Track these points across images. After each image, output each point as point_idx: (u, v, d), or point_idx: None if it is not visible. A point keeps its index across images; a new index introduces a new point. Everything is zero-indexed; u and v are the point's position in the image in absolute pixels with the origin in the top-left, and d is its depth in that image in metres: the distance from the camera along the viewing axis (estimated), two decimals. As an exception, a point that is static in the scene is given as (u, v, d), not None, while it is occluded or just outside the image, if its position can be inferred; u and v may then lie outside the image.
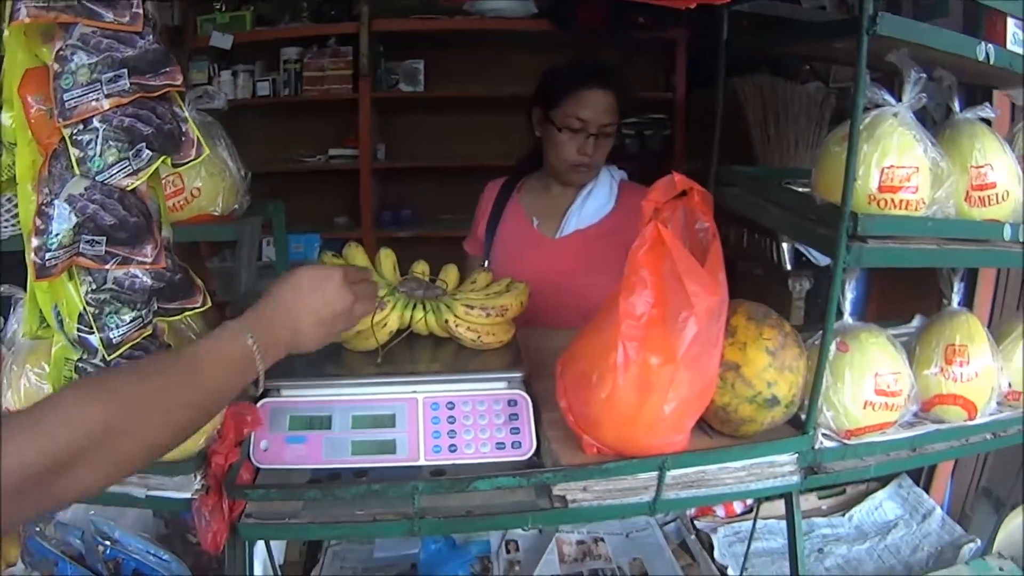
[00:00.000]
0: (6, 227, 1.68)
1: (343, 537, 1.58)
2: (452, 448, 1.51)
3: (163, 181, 1.58)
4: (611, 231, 2.45)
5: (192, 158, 1.39)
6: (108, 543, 1.84)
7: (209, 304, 1.49)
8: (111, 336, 1.36)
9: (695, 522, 2.16)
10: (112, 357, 1.37)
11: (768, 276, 2.56)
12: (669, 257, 1.33)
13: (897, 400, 1.56)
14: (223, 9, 4.79)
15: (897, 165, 1.43)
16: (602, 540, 2.07)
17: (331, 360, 1.70)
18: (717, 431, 1.53)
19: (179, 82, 1.34)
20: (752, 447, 1.50)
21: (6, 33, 1.35)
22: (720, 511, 2.18)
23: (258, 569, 1.71)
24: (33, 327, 1.52)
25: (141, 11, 1.29)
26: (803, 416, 1.53)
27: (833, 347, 1.53)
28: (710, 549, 2.04)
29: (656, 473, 1.44)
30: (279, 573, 1.91)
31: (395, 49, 4.96)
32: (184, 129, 1.38)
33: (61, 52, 1.27)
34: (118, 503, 1.58)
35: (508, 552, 2.05)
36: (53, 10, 1.25)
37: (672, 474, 1.45)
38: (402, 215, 5.04)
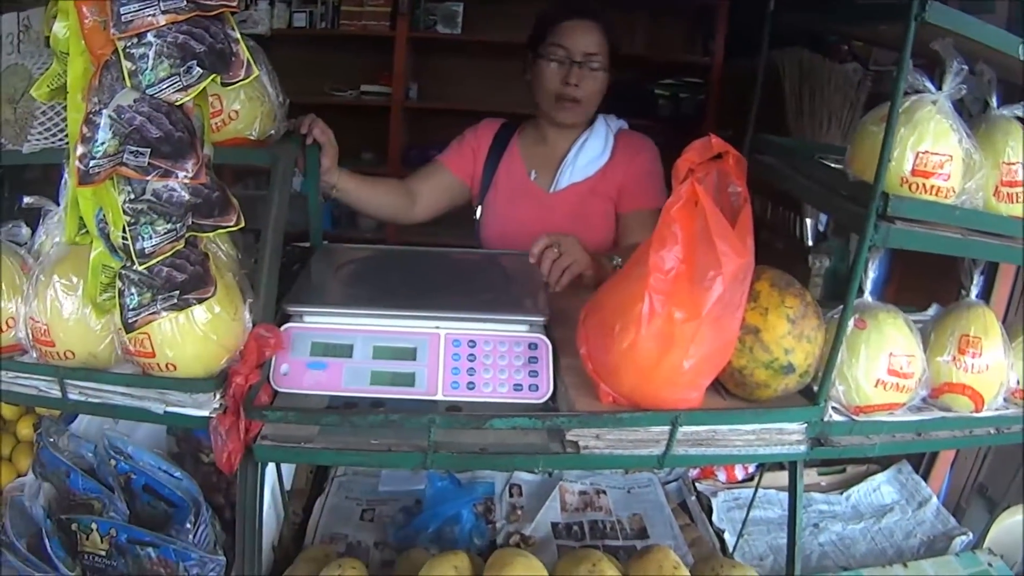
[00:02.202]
0: (39, 139, 1.74)
1: (357, 465, 1.65)
2: (470, 386, 1.59)
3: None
4: (609, 181, 2.53)
5: (241, 78, 1.42)
6: (120, 457, 1.89)
7: (243, 224, 1.53)
8: (144, 246, 1.41)
9: (696, 484, 2.23)
10: (143, 267, 1.42)
11: (789, 250, 2.61)
12: (702, 216, 1.39)
13: (909, 382, 1.61)
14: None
15: (932, 151, 1.48)
16: (604, 492, 2.15)
17: (356, 290, 1.77)
18: (731, 393, 1.60)
19: (234, 3, 1.38)
20: (764, 412, 1.56)
21: None
22: (721, 476, 2.25)
23: (267, 493, 1.77)
24: (72, 233, 1.58)
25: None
26: (815, 387, 1.58)
27: (851, 323, 1.59)
28: (709, 512, 2.11)
29: (668, 428, 1.50)
30: (287, 499, 1.98)
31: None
32: (235, 50, 1.41)
33: (119, -33, 1.30)
34: (136, 418, 1.63)
35: (512, 496, 2.13)
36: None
37: (684, 430, 1.51)
38: (429, 154, 5.07)
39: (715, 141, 1.48)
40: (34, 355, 1.66)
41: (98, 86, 1.38)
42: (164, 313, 1.47)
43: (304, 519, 2.05)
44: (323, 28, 5.13)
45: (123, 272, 1.46)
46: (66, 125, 1.74)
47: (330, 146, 2.09)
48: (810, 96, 2.65)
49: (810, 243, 2.51)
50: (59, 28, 1.47)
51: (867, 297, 1.67)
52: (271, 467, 1.82)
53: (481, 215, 2.64)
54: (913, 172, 1.49)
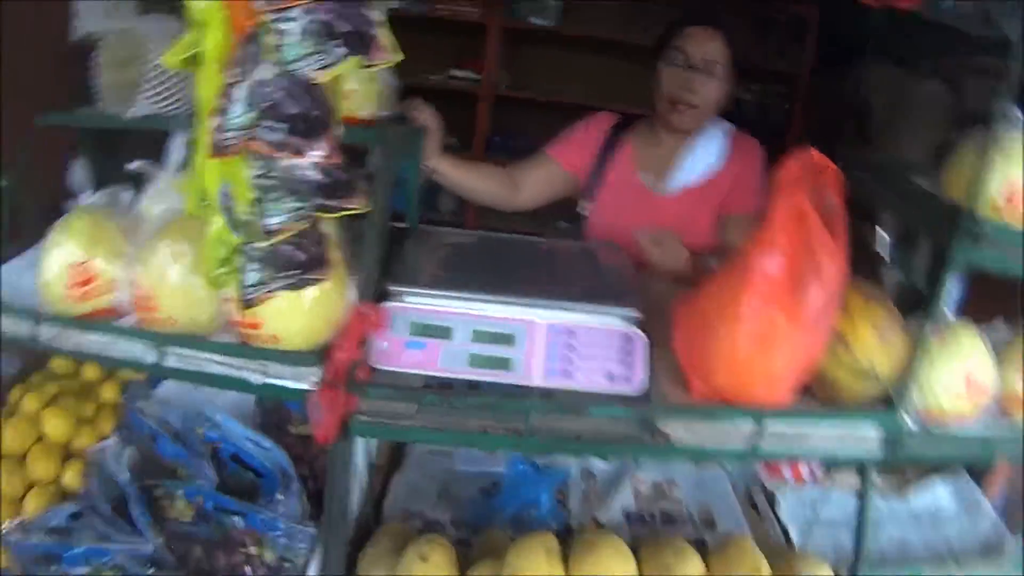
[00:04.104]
0: (147, 104, 1.86)
1: (452, 445, 1.76)
2: (566, 373, 1.71)
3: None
4: (720, 185, 2.64)
5: (381, 62, 1.52)
6: (209, 425, 1.98)
7: (368, 208, 1.63)
8: (270, 223, 1.51)
9: (764, 481, 2.35)
10: (268, 244, 1.52)
11: (863, 264, 2.72)
12: (806, 226, 1.52)
13: (982, 395, 1.75)
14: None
15: (1024, 182, 1.61)
16: (676, 484, 2.26)
17: (455, 274, 1.90)
18: (812, 394, 1.73)
19: None
20: (847, 415, 1.68)
21: None
22: (788, 474, 2.38)
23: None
24: (193, 205, 1.68)
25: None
26: (895, 394, 1.70)
27: (932, 335, 1.70)
28: (774, 509, 2.22)
29: (756, 424, 1.63)
30: (372, 474, 2.10)
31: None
32: (377, 33, 1.50)
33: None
34: (233, 387, 1.74)
35: (585, 483, 2.25)
36: None
37: (770, 428, 1.63)
38: (514, 144, 5.32)
39: (816, 156, 1.60)
40: (133, 319, 1.78)
41: (238, 58, 1.47)
42: (281, 292, 1.59)
43: (381, 494, 2.17)
44: (417, 12, 5.28)
45: (245, 248, 1.56)
46: (177, 92, 1.86)
47: (436, 131, 2.23)
48: (897, 113, 2.75)
49: (887, 260, 2.61)
50: (199, -1, 1.57)
51: (947, 313, 1.77)
52: (362, 443, 1.93)
53: (589, 212, 2.75)
54: (1005, 200, 1.62)
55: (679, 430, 1.64)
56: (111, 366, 1.89)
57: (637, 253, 2.16)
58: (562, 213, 2.83)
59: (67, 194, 1.98)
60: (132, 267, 1.76)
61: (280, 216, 1.51)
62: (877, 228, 2.58)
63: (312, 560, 1.83)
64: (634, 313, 1.77)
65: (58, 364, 2.50)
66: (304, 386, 1.68)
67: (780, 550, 1.94)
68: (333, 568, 1.80)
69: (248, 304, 1.59)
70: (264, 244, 1.53)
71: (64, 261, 1.78)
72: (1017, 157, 1.62)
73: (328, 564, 1.80)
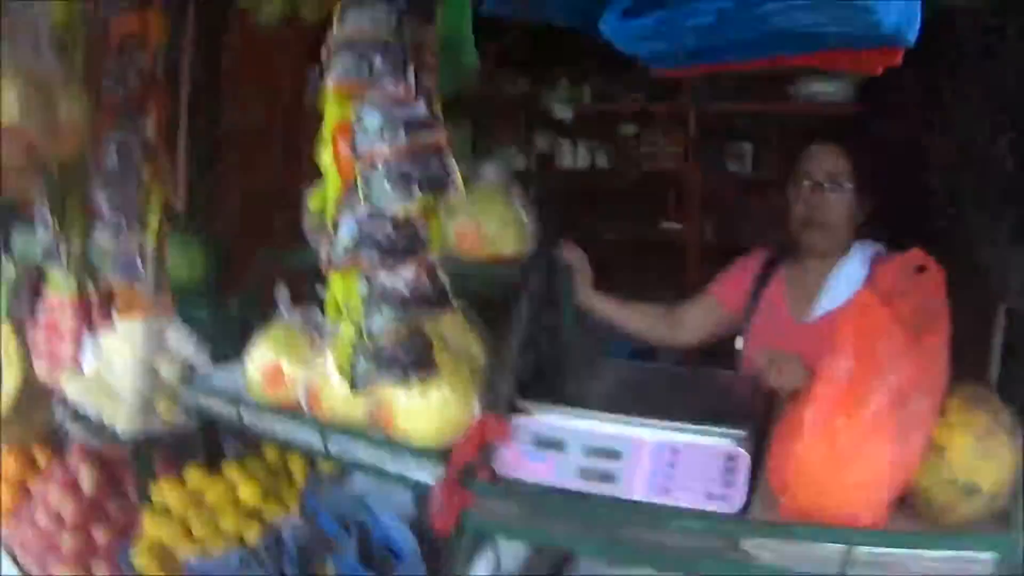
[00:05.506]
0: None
1: (547, 543, 1.84)
2: (666, 490, 1.73)
3: (459, 224, 2.11)
4: None
5: (452, 193, 1.81)
6: (366, 512, 2.25)
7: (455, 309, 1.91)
8: (372, 327, 1.83)
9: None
10: (371, 343, 1.83)
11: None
12: (879, 328, 1.51)
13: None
14: (564, 83, 5.64)
15: None
16: None
17: (580, 393, 2.05)
18: (920, 515, 1.59)
19: (442, 141, 1.78)
20: (949, 538, 1.53)
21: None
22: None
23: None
24: (333, 314, 2.00)
25: (413, 83, 1.73)
26: (1009, 513, 1.55)
27: None
28: None
29: (844, 548, 1.51)
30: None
31: (721, 129, 5.49)
32: (452, 177, 1.79)
33: (358, 111, 1.77)
34: (374, 474, 2.09)
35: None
36: (350, 79, 1.76)
37: (861, 551, 1.52)
38: None
39: (916, 255, 1.62)
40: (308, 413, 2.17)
41: (344, 199, 1.88)
42: (387, 383, 1.88)
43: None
44: (618, 168, 5.74)
45: (356, 344, 1.88)
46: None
47: (584, 270, 2.41)
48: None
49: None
50: (324, 156, 1.95)
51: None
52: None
53: (742, 346, 2.74)
54: None
55: (762, 549, 1.60)
56: (290, 449, 2.26)
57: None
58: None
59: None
60: (308, 371, 2.17)
61: (380, 322, 1.82)
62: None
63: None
64: (741, 433, 1.78)
65: (270, 454, 2.83)
66: (428, 479, 1.92)
67: None
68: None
69: (357, 391, 1.92)
70: (369, 343, 1.83)
71: (261, 361, 2.31)
72: None
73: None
